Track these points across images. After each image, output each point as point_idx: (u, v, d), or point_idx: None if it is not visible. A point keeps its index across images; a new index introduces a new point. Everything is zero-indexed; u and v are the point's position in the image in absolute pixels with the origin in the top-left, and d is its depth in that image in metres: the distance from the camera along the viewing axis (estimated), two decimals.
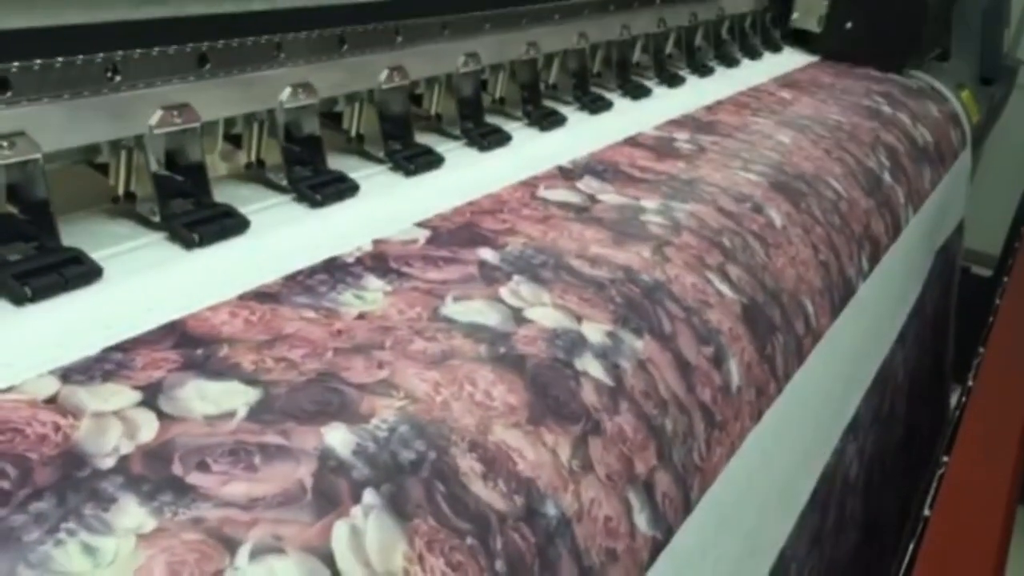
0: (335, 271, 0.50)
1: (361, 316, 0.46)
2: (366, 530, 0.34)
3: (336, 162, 0.64)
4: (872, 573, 1.05)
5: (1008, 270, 1.31)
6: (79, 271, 0.45)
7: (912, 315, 1.11)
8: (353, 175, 0.63)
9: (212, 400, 0.37)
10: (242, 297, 0.46)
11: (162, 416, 0.36)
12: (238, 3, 0.57)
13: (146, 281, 0.47)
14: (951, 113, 1.36)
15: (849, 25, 1.41)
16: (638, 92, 1.00)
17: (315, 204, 0.59)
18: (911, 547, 0.71)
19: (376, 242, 0.54)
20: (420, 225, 0.58)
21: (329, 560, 0.32)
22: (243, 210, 0.55)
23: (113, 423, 0.35)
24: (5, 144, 0.44)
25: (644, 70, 1.08)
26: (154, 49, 0.51)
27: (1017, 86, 1.87)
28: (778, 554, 0.68)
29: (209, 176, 0.55)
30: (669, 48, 1.13)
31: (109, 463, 0.33)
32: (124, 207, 0.53)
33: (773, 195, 0.79)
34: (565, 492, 0.42)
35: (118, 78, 0.49)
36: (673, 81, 1.09)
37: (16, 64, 0.45)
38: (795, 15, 1.44)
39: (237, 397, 0.38)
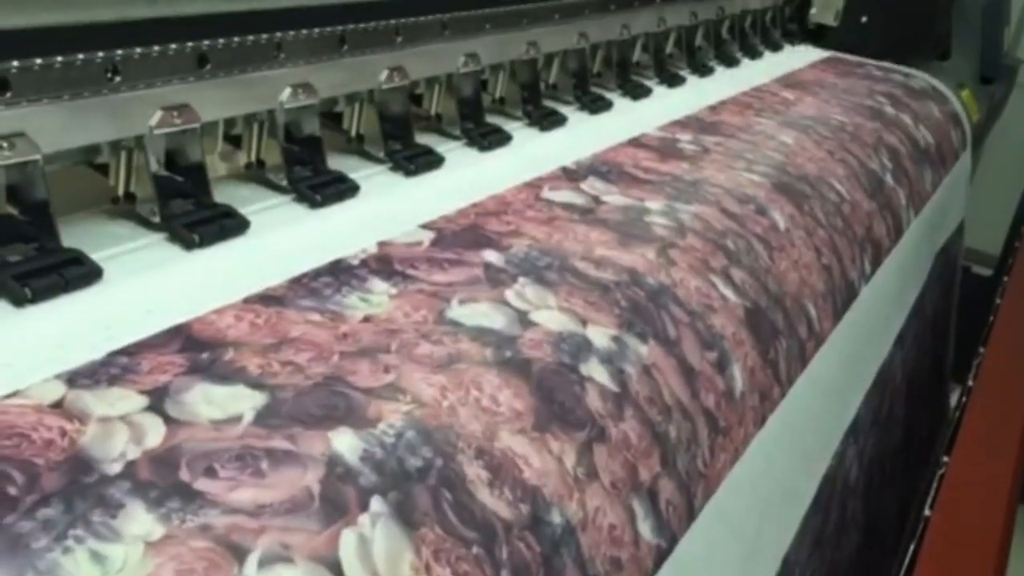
0: (340, 273, 0.50)
1: (367, 319, 0.46)
2: (373, 539, 0.34)
3: (336, 162, 0.64)
4: (873, 575, 1.04)
5: (1008, 269, 1.31)
6: (79, 272, 0.45)
7: (911, 316, 1.11)
8: (353, 175, 0.63)
9: (218, 405, 0.37)
10: (247, 300, 0.45)
11: (169, 421, 0.36)
12: (238, 3, 0.57)
13: (146, 282, 0.47)
14: (952, 113, 1.36)
15: (864, 19, 1.42)
16: (638, 92, 1.00)
17: (315, 204, 0.59)
18: (912, 547, 0.71)
19: (381, 244, 0.54)
20: (424, 227, 0.57)
21: (337, 569, 0.32)
22: (243, 211, 0.55)
23: (120, 428, 0.35)
24: (5, 145, 0.44)
25: (644, 70, 1.08)
26: (154, 49, 0.51)
27: (1017, 85, 1.87)
28: (782, 559, 0.68)
29: (209, 176, 0.55)
30: (669, 48, 1.13)
31: (116, 468, 0.33)
32: (124, 208, 0.53)
33: (776, 197, 0.79)
34: (570, 500, 0.42)
35: (118, 78, 0.49)
36: (673, 81, 1.08)
37: (16, 65, 0.44)
38: (813, 10, 1.45)
39: (243, 401, 0.38)
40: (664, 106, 1.00)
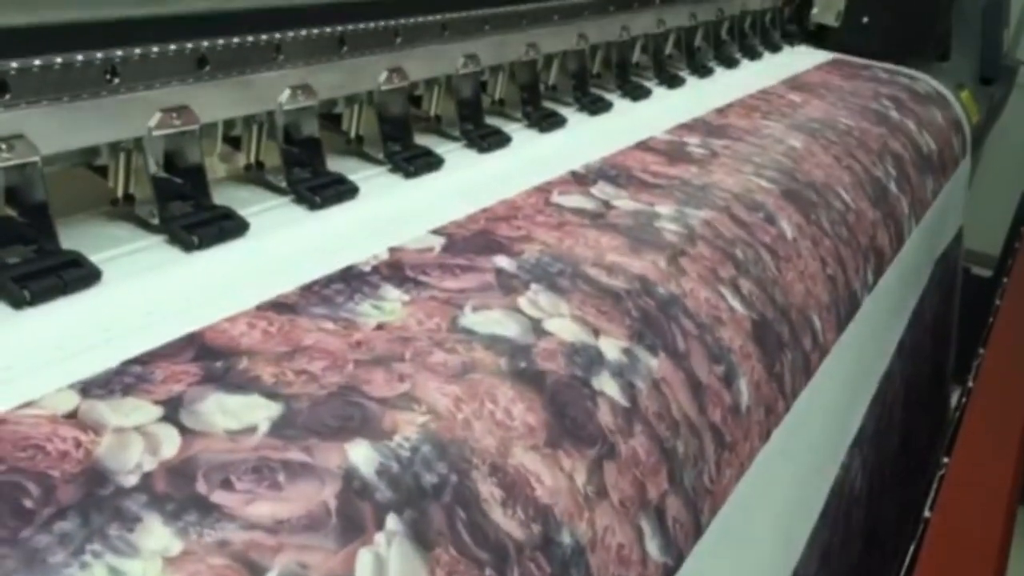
0: (352, 280, 0.49)
1: (380, 327, 0.45)
2: (389, 558, 0.33)
3: (335, 164, 0.64)
4: None
5: (1008, 271, 1.31)
6: (78, 274, 0.45)
7: (911, 324, 1.11)
8: (352, 177, 0.62)
9: (233, 414, 0.37)
10: (259, 307, 0.45)
11: (184, 431, 0.35)
12: (237, 3, 0.57)
13: (145, 284, 0.47)
14: (954, 119, 1.36)
15: (866, 20, 1.42)
16: (638, 93, 1.00)
17: (314, 206, 0.59)
18: (912, 548, 0.71)
19: (392, 250, 0.53)
20: (435, 232, 0.57)
21: None
22: (242, 212, 0.54)
23: (135, 439, 0.34)
24: (3, 147, 0.44)
25: (644, 71, 1.08)
26: (153, 50, 0.51)
27: (1017, 86, 1.87)
28: (791, 574, 0.68)
29: (208, 178, 0.55)
30: (669, 49, 1.13)
31: (132, 480, 0.32)
32: (123, 209, 0.53)
33: (784, 205, 0.78)
34: (580, 520, 0.42)
35: (117, 80, 0.49)
36: (673, 82, 1.08)
37: (14, 66, 0.44)
38: (815, 10, 1.45)
39: (259, 411, 0.37)
40: (664, 107, 1.00)
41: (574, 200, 0.66)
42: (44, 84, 0.46)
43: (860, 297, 0.84)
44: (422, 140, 0.71)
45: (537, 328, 0.49)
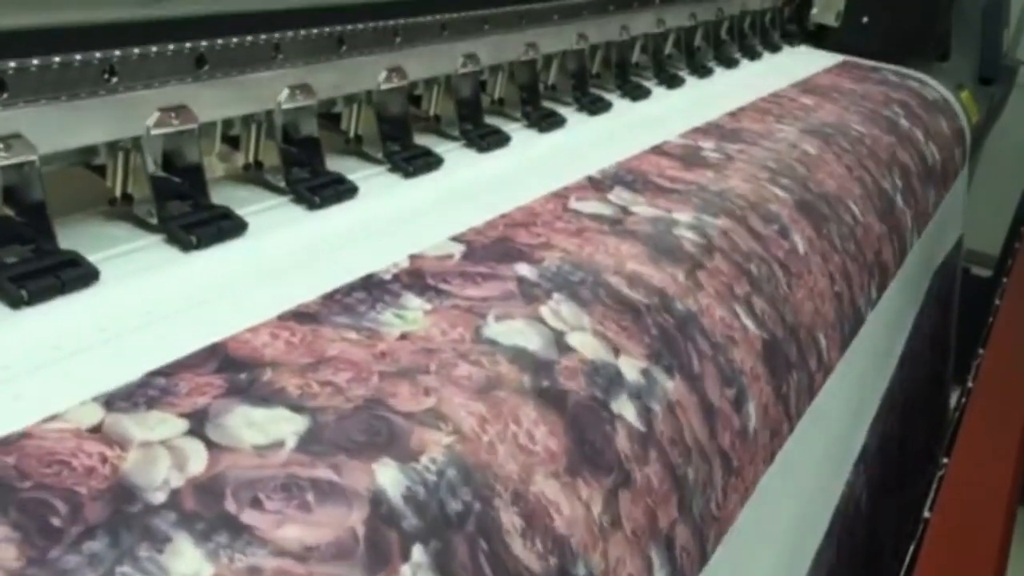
0: (373, 288, 0.49)
1: (403, 337, 0.45)
2: None
3: (334, 163, 0.63)
4: None
5: (1008, 271, 1.31)
6: (76, 274, 0.45)
7: (911, 336, 1.11)
8: (352, 176, 0.62)
9: (260, 428, 0.36)
10: (281, 317, 0.44)
11: (211, 446, 0.35)
12: (236, 3, 0.57)
13: (143, 284, 0.47)
14: (958, 129, 1.35)
15: (866, 20, 1.42)
16: (637, 93, 1.00)
17: (313, 206, 0.59)
18: (912, 548, 0.70)
19: (412, 257, 0.53)
20: (454, 239, 0.57)
21: None
22: (241, 212, 0.54)
23: (161, 453, 0.34)
24: (1, 146, 0.44)
25: (643, 71, 1.08)
26: (151, 50, 0.51)
27: (1017, 86, 1.87)
28: None
29: (207, 178, 0.55)
30: (668, 49, 1.13)
31: (160, 497, 0.32)
32: (121, 209, 0.53)
33: (798, 217, 0.78)
34: (594, 551, 0.42)
35: (115, 79, 0.49)
36: (672, 82, 1.08)
37: (12, 65, 0.44)
38: (815, 10, 1.45)
39: (285, 425, 0.37)
40: (663, 107, 1.00)
41: (592, 206, 0.66)
42: (42, 83, 0.46)
43: (864, 313, 0.83)
44: (421, 140, 0.71)
45: (560, 342, 0.49)
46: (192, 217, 0.52)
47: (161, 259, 0.50)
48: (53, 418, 0.34)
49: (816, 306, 0.73)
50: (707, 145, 0.86)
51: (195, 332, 0.42)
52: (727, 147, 0.86)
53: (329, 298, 0.47)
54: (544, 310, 0.51)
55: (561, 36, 0.89)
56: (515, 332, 0.48)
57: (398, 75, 0.68)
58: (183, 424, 0.35)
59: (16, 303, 0.42)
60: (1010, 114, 1.87)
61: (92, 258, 0.46)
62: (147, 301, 0.45)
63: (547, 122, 0.84)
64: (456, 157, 0.72)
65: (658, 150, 0.82)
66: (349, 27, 0.64)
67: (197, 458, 0.34)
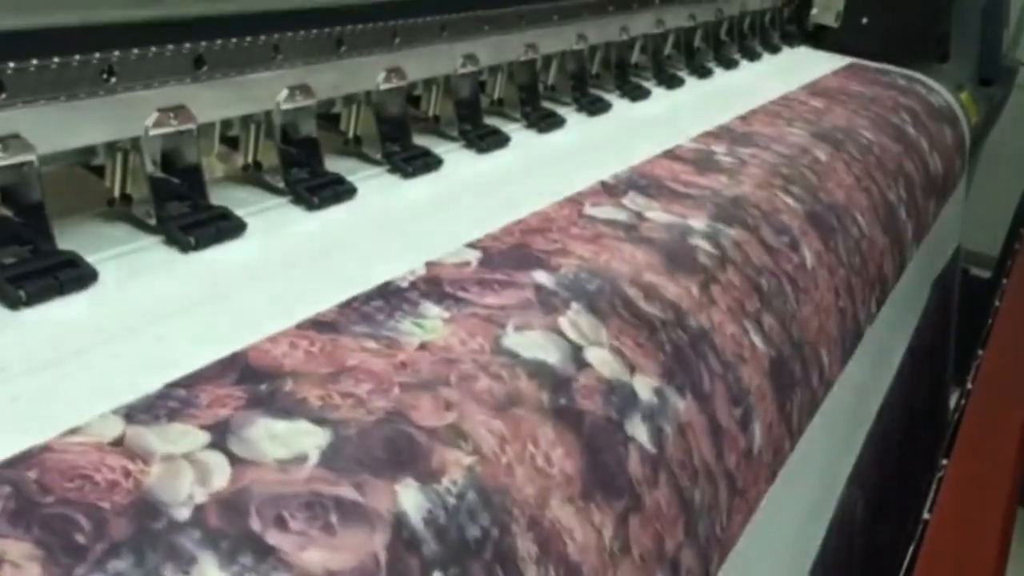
0: (390, 296, 0.48)
1: (423, 346, 0.44)
2: None
3: (333, 164, 0.63)
4: None
5: (1007, 272, 1.31)
6: (74, 274, 0.45)
7: (909, 348, 1.11)
8: (351, 177, 0.62)
9: (282, 441, 0.35)
10: (299, 326, 0.44)
11: (234, 460, 0.34)
12: (235, 3, 0.57)
13: (142, 284, 0.47)
14: (960, 136, 1.35)
15: (865, 20, 1.42)
16: (637, 93, 1.00)
17: (312, 206, 0.59)
18: (912, 548, 0.70)
19: (429, 265, 0.53)
20: (470, 246, 0.56)
21: None
22: (240, 212, 0.54)
23: (184, 467, 0.33)
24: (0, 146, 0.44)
25: (643, 71, 1.08)
26: (150, 50, 0.51)
27: (1016, 86, 1.87)
28: None
29: (205, 178, 0.54)
30: (668, 49, 1.13)
31: (184, 514, 0.31)
32: (120, 210, 0.53)
33: (808, 229, 0.78)
34: None
35: (114, 80, 0.49)
36: (672, 82, 1.08)
37: (11, 65, 0.44)
38: (814, 11, 1.45)
39: (307, 438, 0.36)
40: (663, 107, 1.00)
41: (606, 212, 0.66)
42: (40, 83, 0.45)
43: (863, 327, 0.83)
44: (420, 140, 0.71)
45: (577, 357, 0.48)
46: (191, 218, 0.52)
47: (160, 260, 0.50)
48: (74, 431, 0.34)
49: (821, 322, 0.72)
50: (719, 149, 0.86)
51: (194, 333, 0.42)
52: (739, 151, 0.86)
53: (347, 306, 0.46)
54: (563, 321, 0.50)
55: (560, 37, 0.89)
56: (534, 344, 0.47)
57: (397, 75, 0.68)
58: (205, 437, 0.35)
59: (14, 304, 0.42)
60: (1010, 115, 1.87)
61: (90, 259, 0.46)
62: (146, 302, 0.45)
63: (546, 123, 0.84)
64: (455, 158, 0.72)
65: (671, 154, 0.81)
66: (348, 28, 0.63)
67: (220, 472, 0.33)
